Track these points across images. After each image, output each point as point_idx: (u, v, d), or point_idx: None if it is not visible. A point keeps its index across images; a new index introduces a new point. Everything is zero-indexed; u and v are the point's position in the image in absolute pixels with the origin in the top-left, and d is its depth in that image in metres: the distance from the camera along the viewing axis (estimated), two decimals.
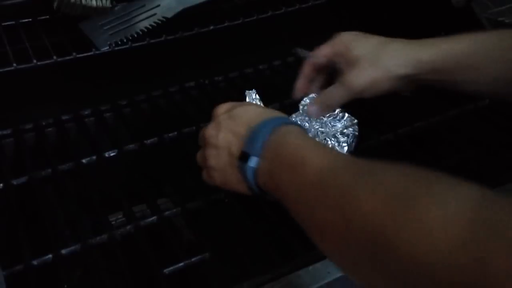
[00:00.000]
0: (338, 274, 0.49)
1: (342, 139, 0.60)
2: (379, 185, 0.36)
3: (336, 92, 0.58)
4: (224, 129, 0.50)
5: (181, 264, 0.51)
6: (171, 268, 0.50)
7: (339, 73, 0.59)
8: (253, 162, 0.46)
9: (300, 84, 0.63)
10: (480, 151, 0.66)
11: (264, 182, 0.46)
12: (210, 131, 0.52)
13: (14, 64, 0.57)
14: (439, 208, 0.31)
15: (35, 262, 0.50)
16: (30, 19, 0.63)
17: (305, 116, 0.62)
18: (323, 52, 0.61)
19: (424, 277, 0.30)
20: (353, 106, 0.68)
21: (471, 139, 0.67)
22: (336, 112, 0.61)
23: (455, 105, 0.71)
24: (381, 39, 0.58)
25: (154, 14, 0.63)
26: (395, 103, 0.67)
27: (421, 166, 0.61)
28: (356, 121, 0.62)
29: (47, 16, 0.64)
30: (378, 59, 0.56)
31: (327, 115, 0.61)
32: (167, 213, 0.57)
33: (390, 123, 0.68)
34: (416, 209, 0.32)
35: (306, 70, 0.62)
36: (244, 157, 0.47)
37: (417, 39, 0.62)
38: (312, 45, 0.88)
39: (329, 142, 0.60)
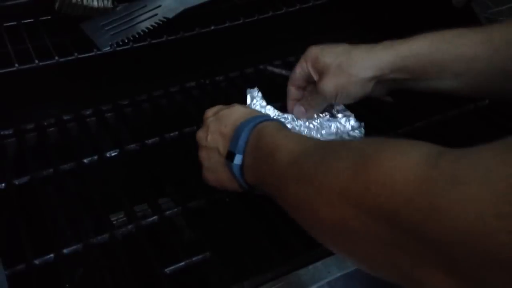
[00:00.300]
0: (338, 273, 0.49)
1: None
2: (346, 152, 0.39)
3: (313, 99, 0.64)
4: (212, 131, 0.54)
5: (182, 263, 0.51)
6: (172, 267, 0.50)
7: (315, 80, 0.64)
8: (238, 159, 0.50)
9: (290, 105, 0.67)
10: None
11: (249, 177, 0.50)
12: (200, 133, 0.56)
13: (16, 65, 0.58)
14: (400, 162, 0.33)
15: (37, 262, 0.51)
16: (32, 20, 0.64)
17: (304, 121, 0.65)
18: (298, 70, 0.65)
19: (386, 222, 0.32)
20: (353, 105, 0.68)
21: (471, 139, 0.67)
22: (326, 114, 0.66)
23: (455, 105, 0.71)
24: (346, 47, 0.62)
25: (155, 15, 0.64)
26: (395, 103, 0.67)
27: None
28: (362, 123, 0.65)
29: (49, 17, 0.64)
30: (342, 66, 0.60)
31: (321, 117, 0.66)
32: (168, 212, 0.57)
33: (390, 122, 0.68)
34: (380, 165, 0.34)
35: (291, 91, 0.67)
36: (230, 155, 0.51)
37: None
38: (313, 45, 0.89)
39: None
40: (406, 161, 0.33)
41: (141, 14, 0.64)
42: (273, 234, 0.54)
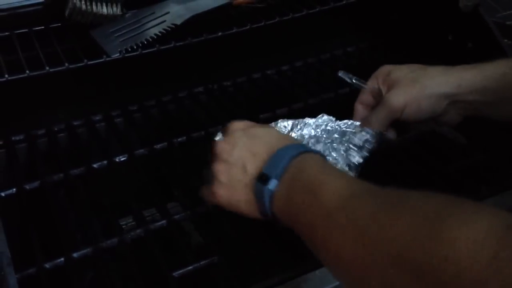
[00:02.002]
0: None
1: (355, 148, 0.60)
2: (405, 210, 0.35)
3: (377, 112, 0.59)
4: (240, 146, 0.49)
5: (190, 267, 0.51)
6: (180, 271, 0.51)
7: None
8: (272, 184, 0.45)
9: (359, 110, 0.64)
10: (488, 156, 0.66)
11: (279, 206, 0.45)
12: (223, 146, 0.50)
13: (27, 71, 0.59)
14: (466, 234, 0.30)
15: (47, 265, 0.51)
16: (43, 27, 0.64)
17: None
18: (370, 84, 0.63)
19: None
20: None
21: (479, 144, 0.67)
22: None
23: None
24: (421, 65, 0.60)
25: (164, 21, 0.64)
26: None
27: (429, 171, 0.62)
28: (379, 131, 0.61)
29: (59, 24, 0.65)
30: (417, 79, 0.57)
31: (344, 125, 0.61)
32: (176, 217, 0.58)
33: (397, 127, 0.68)
34: (443, 236, 0.31)
35: (358, 109, 0.64)
36: (263, 178, 0.46)
37: (424, 43, 0.63)
38: (322, 50, 0.89)
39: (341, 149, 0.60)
40: (473, 234, 0.30)
41: (150, 21, 0.65)
42: (280, 239, 0.54)
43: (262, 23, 0.70)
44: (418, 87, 0.57)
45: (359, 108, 0.63)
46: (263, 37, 0.76)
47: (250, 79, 0.83)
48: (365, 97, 0.63)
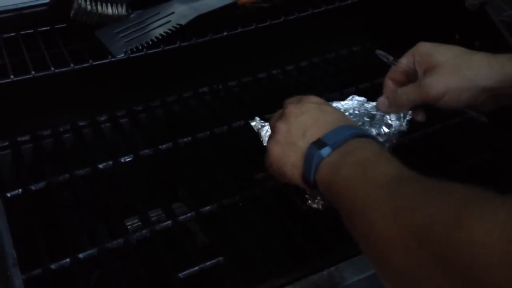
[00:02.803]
0: (352, 279, 0.49)
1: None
2: (437, 195, 0.36)
3: (408, 92, 0.57)
4: (308, 114, 0.51)
5: (196, 268, 0.51)
6: (186, 272, 0.51)
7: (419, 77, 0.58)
8: (326, 151, 0.47)
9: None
10: (495, 155, 0.65)
11: (324, 174, 0.46)
12: (293, 109, 0.52)
13: (33, 72, 0.59)
14: (484, 222, 0.31)
15: (53, 266, 0.51)
16: (48, 28, 0.65)
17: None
18: (403, 62, 0.60)
19: (473, 284, 0.31)
20: None
21: (487, 142, 0.67)
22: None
23: None
24: (463, 49, 0.57)
25: (169, 22, 0.64)
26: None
27: (437, 171, 0.61)
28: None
29: (64, 25, 0.65)
30: (460, 68, 0.55)
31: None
32: (181, 217, 0.58)
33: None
34: (463, 221, 0.32)
35: (388, 84, 0.62)
36: (319, 143, 0.47)
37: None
38: (327, 50, 0.89)
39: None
40: (490, 222, 0.31)
41: (155, 21, 0.65)
42: (286, 239, 0.54)
43: (268, 23, 0.70)
44: (461, 78, 0.54)
45: (389, 84, 0.62)
46: (268, 37, 0.76)
47: (255, 79, 0.83)
48: (397, 73, 0.61)
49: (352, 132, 0.48)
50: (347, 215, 0.43)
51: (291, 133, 0.51)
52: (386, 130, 0.60)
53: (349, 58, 0.89)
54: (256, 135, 0.62)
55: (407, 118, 0.60)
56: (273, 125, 0.53)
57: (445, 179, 0.59)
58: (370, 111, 0.61)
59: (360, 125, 0.60)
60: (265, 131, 0.61)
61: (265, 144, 0.59)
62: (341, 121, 0.50)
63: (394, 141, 0.61)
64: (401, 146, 0.65)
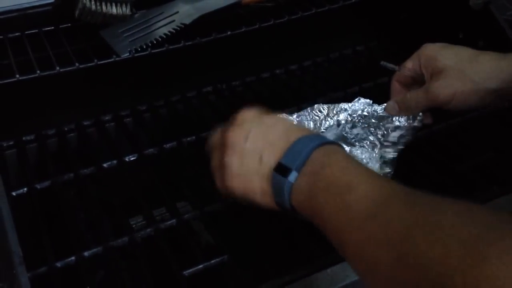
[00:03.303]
0: (356, 277, 0.49)
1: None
2: (441, 231, 0.32)
3: (417, 97, 0.57)
4: (255, 135, 0.47)
5: (200, 266, 0.51)
6: (191, 270, 0.51)
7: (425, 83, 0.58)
8: (293, 177, 0.43)
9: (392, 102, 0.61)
10: (499, 154, 0.65)
11: (300, 201, 0.43)
12: (233, 134, 0.48)
13: (38, 71, 0.59)
14: (509, 267, 0.27)
15: (58, 264, 0.52)
16: (53, 27, 0.65)
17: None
18: (409, 65, 0.60)
19: None
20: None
21: (491, 142, 0.67)
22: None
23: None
24: (469, 51, 0.56)
25: (173, 21, 0.64)
26: None
27: (441, 170, 0.61)
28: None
29: (69, 24, 0.65)
30: (466, 72, 0.54)
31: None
32: (186, 216, 0.58)
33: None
34: (486, 263, 0.28)
35: (395, 87, 0.62)
36: (282, 169, 0.44)
37: (434, 42, 0.62)
38: (331, 49, 0.89)
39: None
40: None
41: (159, 21, 0.65)
42: (291, 237, 0.54)
43: (271, 22, 0.70)
44: (467, 82, 0.54)
45: (397, 87, 0.61)
46: (272, 36, 0.76)
47: (259, 78, 0.83)
48: (404, 76, 0.60)
49: (312, 145, 0.44)
50: (339, 248, 0.40)
51: (245, 165, 0.46)
52: (396, 133, 0.60)
53: (353, 58, 0.89)
54: None
55: (419, 117, 0.61)
56: (220, 162, 0.48)
57: (450, 179, 0.59)
58: (380, 113, 0.61)
59: (366, 127, 0.60)
60: None
61: None
62: (291, 131, 0.46)
63: (409, 137, 0.61)
64: (405, 146, 0.65)
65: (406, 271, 0.33)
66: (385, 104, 0.62)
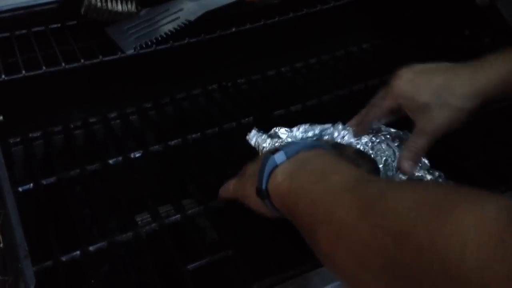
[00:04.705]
0: None
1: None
2: (411, 192, 0.35)
3: (419, 143, 0.57)
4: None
5: (205, 260, 0.51)
6: (195, 264, 0.51)
7: (410, 117, 0.58)
8: (280, 157, 0.45)
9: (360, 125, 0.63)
10: (506, 151, 0.64)
11: (277, 183, 0.45)
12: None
13: (44, 67, 0.59)
14: (473, 218, 0.29)
15: (63, 258, 0.52)
16: (59, 25, 0.65)
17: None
18: (386, 104, 0.60)
19: (455, 286, 0.29)
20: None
21: (497, 139, 0.66)
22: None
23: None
24: (442, 76, 0.56)
25: (178, 18, 0.65)
26: None
27: (446, 166, 0.61)
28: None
29: (75, 22, 0.66)
30: (446, 102, 0.55)
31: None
32: (190, 211, 0.58)
33: (412, 123, 0.67)
34: (450, 216, 0.30)
35: (369, 122, 0.62)
36: (274, 151, 0.46)
37: (440, 39, 0.61)
38: (336, 47, 0.89)
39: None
40: (480, 219, 0.29)
41: (164, 18, 0.65)
42: (294, 233, 0.54)
43: (276, 19, 0.70)
44: (452, 111, 0.55)
45: (370, 121, 0.62)
46: (277, 34, 0.76)
47: (264, 76, 0.83)
48: (382, 114, 0.61)
49: (308, 143, 0.47)
50: (307, 226, 0.40)
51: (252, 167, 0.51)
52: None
53: (359, 55, 0.89)
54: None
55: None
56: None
57: (454, 175, 0.59)
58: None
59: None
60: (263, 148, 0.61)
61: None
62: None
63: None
64: None
65: (373, 227, 0.34)
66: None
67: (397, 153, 0.60)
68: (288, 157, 0.45)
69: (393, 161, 0.59)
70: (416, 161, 0.57)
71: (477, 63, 0.56)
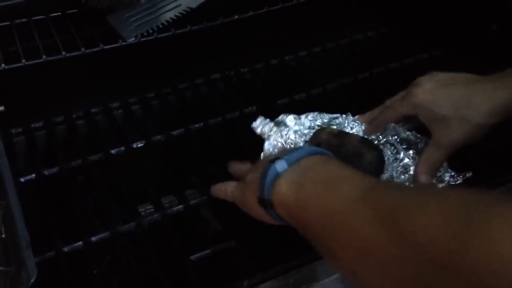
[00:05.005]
0: None
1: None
2: (435, 205, 0.32)
3: (435, 156, 0.56)
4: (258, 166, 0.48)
5: (208, 251, 0.51)
6: (198, 255, 0.50)
7: (427, 128, 0.57)
8: (281, 165, 0.43)
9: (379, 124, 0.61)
10: (510, 141, 0.63)
11: (282, 193, 0.43)
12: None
13: (44, 56, 0.59)
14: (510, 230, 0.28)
15: (66, 249, 0.52)
16: (59, 13, 0.65)
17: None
18: (403, 111, 0.58)
19: None
20: (381, 95, 0.66)
21: (503, 127, 0.65)
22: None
23: None
24: (461, 90, 0.55)
25: (179, 5, 0.64)
26: None
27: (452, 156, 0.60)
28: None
29: (75, 10, 0.65)
30: (465, 116, 0.53)
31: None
32: (193, 202, 0.57)
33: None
34: (484, 229, 0.28)
35: (384, 124, 0.61)
36: (274, 160, 0.44)
37: (447, 27, 0.59)
38: (341, 35, 0.87)
39: None
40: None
41: (165, 5, 0.64)
42: None
43: (279, 6, 0.69)
44: (471, 126, 0.54)
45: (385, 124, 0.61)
46: (281, 21, 0.75)
47: (267, 65, 0.82)
48: (397, 119, 0.60)
49: (309, 149, 0.45)
50: (323, 241, 0.39)
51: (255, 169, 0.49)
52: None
53: (364, 44, 0.88)
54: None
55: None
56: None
57: (460, 166, 0.57)
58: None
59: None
60: (272, 140, 0.60)
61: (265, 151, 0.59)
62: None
63: None
64: (418, 131, 0.63)
65: (397, 244, 0.32)
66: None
67: (401, 154, 0.58)
68: (289, 165, 0.44)
69: (395, 160, 0.58)
70: (433, 174, 0.56)
71: (498, 77, 0.54)
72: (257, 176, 0.46)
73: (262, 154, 0.59)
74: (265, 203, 0.44)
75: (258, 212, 0.47)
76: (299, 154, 0.44)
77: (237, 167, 0.56)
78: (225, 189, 0.53)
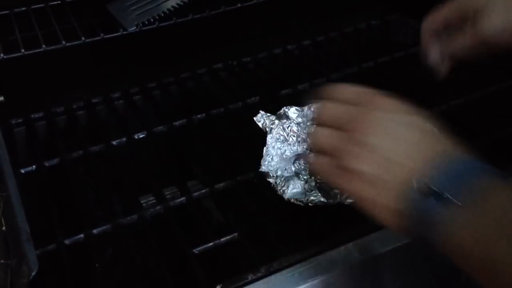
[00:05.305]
0: (369, 254, 0.48)
1: None
2: None
3: (461, 39, 0.50)
4: (393, 136, 0.38)
5: (210, 244, 0.50)
6: (201, 247, 0.50)
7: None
8: (449, 209, 0.33)
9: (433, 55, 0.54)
10: None
11: (455, 239, 0.33)
12: (365, 126, 0.38)
13: (43, 46, 0.58)
14: None
15: (67, 242, 0.51)
16: (59, 1, 0.64)
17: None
18: (444, 10, 0.53)
19: None
20: (385, 85, 0.65)
21: (509, 116, 0.64)
22: None
23: (492, 81, 0.68)
24: None
25: None
26: (430, 79, 0.64)
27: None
28: None
29: None
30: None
31: None
32: (196, 194, 0.57)
33: (424, 101, 0.65)
34: None
35: (426, 39, 0.55)
36: (429, 193, 0.34)
37: None
38: (345, 24, 0.86)
39: None
40: None
41: None
42: (301, 215, 0.53)
43: None
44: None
45: (427, 37, 0.55)
46: (284, 10, 0.74)
47: (270, 54, 0.81)
48: (436, 21, 0.54)
49: (470, 169, 0.34)
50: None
51: (377, 165, 0.37)
52: None
53: (368, 32, 0.87)
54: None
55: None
56: (343, 148, 0.39)
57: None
58: None
59: None
60: (274, 133, 0.59)
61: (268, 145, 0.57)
62: (442, 143, 0.38)
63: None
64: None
65: None
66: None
67: None
68: (456, 199, 0.34)
69: None
70: (444, 59, 0.52)
71: None
72: (392, 191, 0.36)
73: (264, 149, 0.58)
74: (426, 241, 0.35)
75: (385, 217, 0.38)
76: (460, 181, 0.34)
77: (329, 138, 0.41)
78: (335, 176, 0.40)
